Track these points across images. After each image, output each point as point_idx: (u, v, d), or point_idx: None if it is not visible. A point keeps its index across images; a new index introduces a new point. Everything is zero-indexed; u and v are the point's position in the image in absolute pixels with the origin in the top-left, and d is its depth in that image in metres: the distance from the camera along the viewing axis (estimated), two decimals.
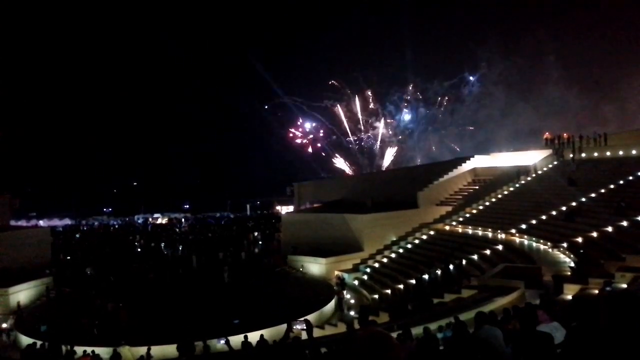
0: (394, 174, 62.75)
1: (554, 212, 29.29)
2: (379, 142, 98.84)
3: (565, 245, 23.57)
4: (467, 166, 45.74)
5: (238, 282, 33.97)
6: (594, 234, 23.39)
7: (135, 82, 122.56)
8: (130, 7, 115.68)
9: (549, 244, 25.14)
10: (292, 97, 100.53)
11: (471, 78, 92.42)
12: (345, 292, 30.74)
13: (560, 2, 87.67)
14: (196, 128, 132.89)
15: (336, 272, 34.14)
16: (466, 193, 42.25)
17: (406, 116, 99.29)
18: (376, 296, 29.63)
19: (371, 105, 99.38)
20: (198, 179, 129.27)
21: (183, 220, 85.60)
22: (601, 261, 18.95)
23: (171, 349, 18.24)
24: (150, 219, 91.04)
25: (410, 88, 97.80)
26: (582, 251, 21.61)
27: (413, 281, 28.20)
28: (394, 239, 37.50)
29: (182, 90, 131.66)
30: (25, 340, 23.08)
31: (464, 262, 27.46)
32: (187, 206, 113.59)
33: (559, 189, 32.59)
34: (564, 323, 5.90)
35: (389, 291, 29.33)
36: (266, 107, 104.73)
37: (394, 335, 9.34)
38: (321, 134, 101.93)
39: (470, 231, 33.58)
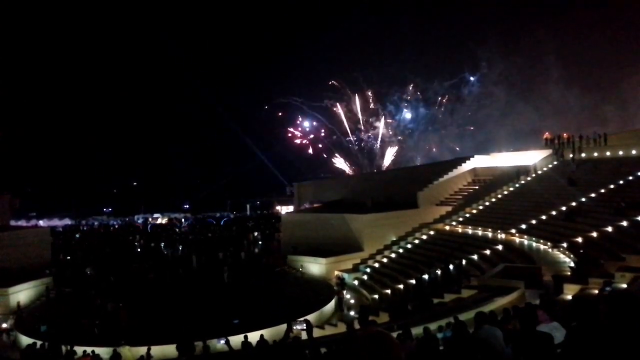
0: (394, 174, 62.76)
1: (554, 212, 29.29)
2: (379, 142, 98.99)
3: (565, 245, 23.57)
4: (467, 166, 45.74)
5: (238, 282, 33.97)
6: (594, 234, 23.38)
7: (135, 82, 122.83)
8: (130, 7, 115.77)
9: (549, 244, 25.14)
10: (292, 97, 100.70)
11: (471, 78, 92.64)
12: (345, 292, 30.75)
13: (560, 2, 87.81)
14: (196, 128, 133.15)
15: (336, 272, 34.14)
16: (466, 193, 42.25)
17: (407, 114, 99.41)
18: (376, 296, 29.61)
19: (371, 105, 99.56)
20: (198, 179, 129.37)
21: (183, 220, 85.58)
22: (601, 261, 18.95)
23: (171, 349, 18.20)
24: (150, 219, 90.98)
25: (410, 88, 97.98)
26: (582, 251, 21.61)
27: (413, 281, 28.20)
28: (394, 239, 37.49)
29: (182, 90, 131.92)
30: (25, 340, 23.08)
31: (464, 262, 27.44)
32: (187, 206, 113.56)
33: (559, 189, 32.58)
34: (564, 323, 5.89)
35: (389, 291, 29.32)
36: (266, 107, 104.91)
37: (394, 335, 9.33)
38: (322, 134, 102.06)
39: (470, 231, 33.57)
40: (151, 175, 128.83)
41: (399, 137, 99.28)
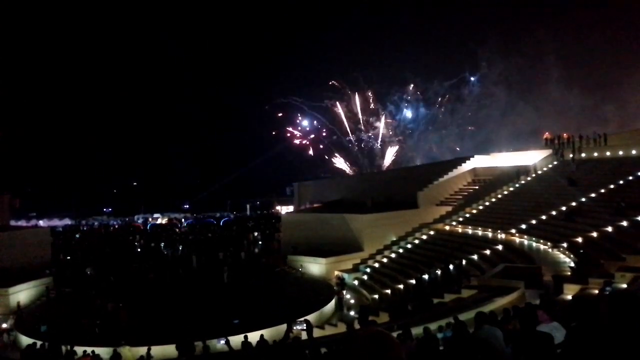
0: (394, 174, 62.79)
1: (554, 212, 29.28)
2: (379, 142, 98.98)
3: (565, 245, 23.57)
4: (467, 166, 45.74)
5: (238, 282, 33.97)
6: (594, 234, 23.38)
7: (135, 82, 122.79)
8: (130, 7, 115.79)
9: (549, 244, 25.13)
10: (292, 97, 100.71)
11: (471, 78, 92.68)
12: (345, 292, 30.73)
13: (560, 2, 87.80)
14: (196, 128, 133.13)
15: (336, 272, 34.13)
16: (466, 193, 42.24)
17: (408, 113, 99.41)
18: (376, 296, 29.61)
19: (371, 105, 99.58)
20: (198, 179, 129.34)
21: (183, 220, 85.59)
22: (601, 261, 18.94)
23: (171, 349, 18.18)
24: (150, 219, 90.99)
25: (411, 88, 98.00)
26: (582, 251, 21.61)
27: (413, 281, 28.19)
28: (394, 239, 37.49)
29: (182, 90, 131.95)
30: (25, 340, 23.08)
31: (464, 262, 27.43)
32: (187, 206, 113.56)
33: (559, 189, 32.58)
34: (564, 323, 5.89)
35: (389, 291, 29.32)
36: (266, 107, 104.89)
37: (394, 335, 9.33)
38: (323, 134, 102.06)
39: (470, 231, 33.57)
40: (151, 175, 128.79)
41: (399, 137, 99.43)
